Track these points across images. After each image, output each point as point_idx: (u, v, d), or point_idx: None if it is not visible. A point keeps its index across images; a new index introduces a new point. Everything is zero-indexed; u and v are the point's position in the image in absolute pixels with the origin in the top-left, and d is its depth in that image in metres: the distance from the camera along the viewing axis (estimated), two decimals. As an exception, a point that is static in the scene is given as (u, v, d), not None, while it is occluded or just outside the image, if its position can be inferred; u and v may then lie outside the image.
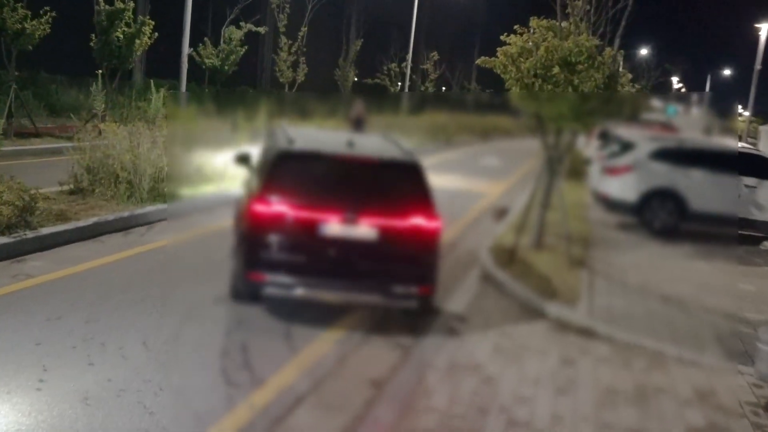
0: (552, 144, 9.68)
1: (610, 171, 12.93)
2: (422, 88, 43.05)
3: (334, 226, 5.75)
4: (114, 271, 7.27)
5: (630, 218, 12.90)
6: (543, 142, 9.67)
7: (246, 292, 5.97)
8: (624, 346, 6.79)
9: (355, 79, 41.31)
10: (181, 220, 9.20)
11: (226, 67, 25.50)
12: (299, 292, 5.79)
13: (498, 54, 9.85)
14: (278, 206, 5.66)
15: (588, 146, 23.99)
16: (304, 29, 26.90)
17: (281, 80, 27.29)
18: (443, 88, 76.56)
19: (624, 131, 18.07)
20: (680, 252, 10.95)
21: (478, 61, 10.14)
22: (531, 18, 11.23)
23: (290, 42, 26.55)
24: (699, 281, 9.24)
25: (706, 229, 12.61)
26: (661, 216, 12.42)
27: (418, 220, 5.97)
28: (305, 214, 5.69)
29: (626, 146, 13.38)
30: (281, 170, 5.73)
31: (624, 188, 12.72)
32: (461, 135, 18.07)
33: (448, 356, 6.18)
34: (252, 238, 5.72)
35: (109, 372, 5.03)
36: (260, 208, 5.64)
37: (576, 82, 9.27)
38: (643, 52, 58.77)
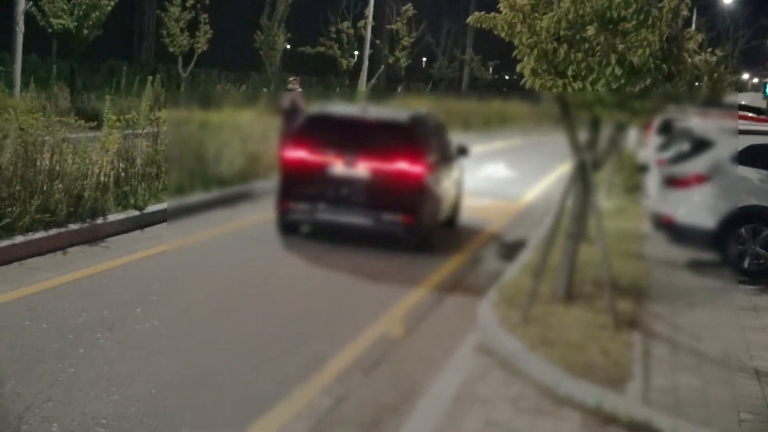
0: (586, 142, 9.83)
1: (677, 183, 13.15)
2: (391, 60, 43.41)
3: (338, 168, 12.54)
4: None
5: (707, 254, 13.13)
6: (571, 140, 9.81)
7: (279, 220, 13.02)
8: (698, 448, 6.88)
9: (287, 46, 41.61)
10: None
11: (86, 31, 25.49)
12: (312, 216, 12.68)
13: (501, 7, 9.98)
14: (300, 153, 12.72)
15: (643, 145, 24.57)
16: (206, -29, 27.08)
17: (171, 50, 27.34)
18: (424, 60, 77.31)
19: (697, 122, 18.41)
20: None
21: (470, 19, 10.26)
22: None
23: (185, -9, 26.75)
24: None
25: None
26: (754, 250, 12.64)
27: (402, 165, 12.55)
28: (318, 158, 12.54)
29: (700, 145, 13.63)
30: (305, 128, 12.99)
31: (697, 209, 12.94)
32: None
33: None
34: (282, 176, 12.73)
35: None
36: (287, 153, 12.82)
37: (621, 48, 9.42)
38: (727, 0, 59.97)
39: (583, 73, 9.43)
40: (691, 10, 10.47)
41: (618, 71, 9.18)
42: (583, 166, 9.57)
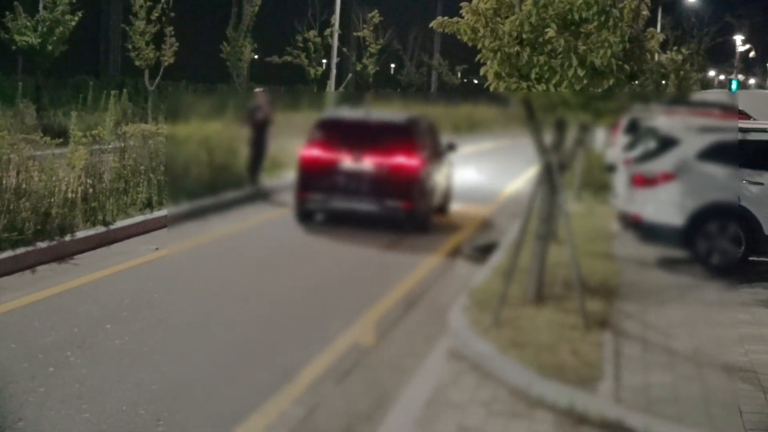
0: (552, 144, 9.90)
1: (644, 181, 13.24)
2: (358, 68, 43.47)
3: (347, 163, 13.96)
4: None
5: (676, 251, 13.22)
6: (537, 143, 9.87)
7: (298, 209, 14.24)
8: (670, 445, 6.92)
9: (255, 56, 41.54)
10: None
11: (50, 47, 25.38)
12: (327, 204, 14.06)
13: (463, 12, 10.04)
14: (314, 151, 14.16)
15: (610, 145, 24.60)
16: (170, -17, 27.01)
17: (137, 63, 27.23)
18: (392, 66, 77.47)
19: (663, 121, 18.52)
20: (751, 298, 11.24)
21: (433, 24, 10.33)
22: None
23: (149, 4, 26.64)
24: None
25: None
26: (722, 246, 12.75)
27: (401, 159, 14.19)
28: (330, 155, 14.06)
29: (666, 143, 13.73)
30: (318, 129, 14.55)
31: (665, 207, 13.03)
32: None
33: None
34: (299, 171, 14.24)
35: None
36: (304, 152, 14.31)
37: (582, 49, 9.51)
38: (691, -1, 60.35)
39: (546, 76, 9.49)
40: (654, 10, 10.59)
41: (580, 73, 9.26)
42: (550, 168, 9.64)
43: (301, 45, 40.13)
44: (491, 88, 10.01)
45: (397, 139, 15.47)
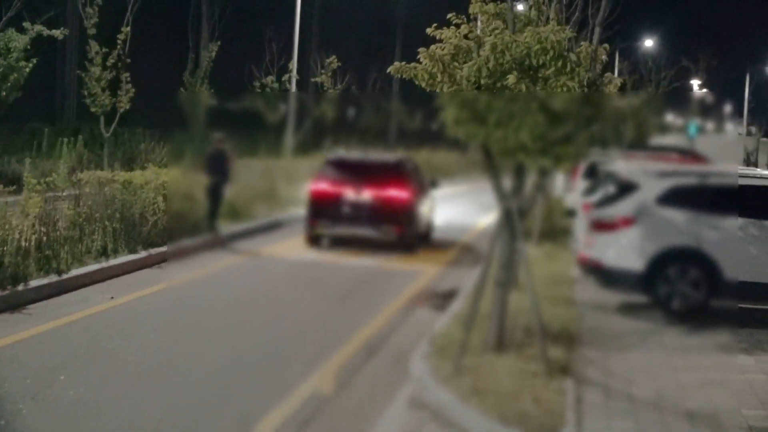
0: (511, 189, 9.94)
1: (603, 226, 13.32)
2: (316, 114, 43.57)
3: (349, 195, 18.10)
4: None
5: (636, 296, 13.28)
6: (496, 188, 9.91)
7: (309, 234, 18.09)
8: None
9: (212, 102, 41.48)
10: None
11: (4, 93, 25.20)
12: (333, 230, 18.02)
13: (420, 57, 10.10)
14: (323, 186, 18.36)
15: (570, 190, 24.78)
16: (126, 30, 26.95)
17: (93, 110, 27.11)
18: (351, 111, 77.67)
19: (622, 165, 18.68)
20: (713, 343, 11.29)
21: (391, 69, 10.38)
22: (472, 1, 11.60)
23: (105, 50, 26.56)
24: (744, 387, 9.52)
25: (749, 305, 13.07)
26: (683, 290, 12.82)
27: (393, 192, 18.31)
28: (336, 189, 18.19)
29: (625, 188, 13.85)
30: (325, 168, 18.90)
31: (625, 251, 13.10)
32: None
33: None
34: (310, 202, 18.24)
35: None
36: (314, 186, 18.44)
37: (541, 95, 9.59)
38: (649, 43, 61.03)
39: (505, 121, 9.51)
40: (611, 55, 10.68)
41: (539, 118, 9.28)
42: (509, 213, 9.68)
43: (259, 91, 40.18)
44: (450, 134, 10.01)
45: (390, 176, 19.45)
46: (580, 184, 22.04)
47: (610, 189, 14.24)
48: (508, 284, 10.03)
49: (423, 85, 10.12)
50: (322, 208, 18.79)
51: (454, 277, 16.49)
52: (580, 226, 15.86)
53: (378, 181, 19.22)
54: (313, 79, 45.04)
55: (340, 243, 18.92)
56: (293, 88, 37.87)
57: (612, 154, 22.34)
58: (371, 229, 18.73)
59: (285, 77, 38.78)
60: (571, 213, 21.17)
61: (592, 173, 20.80)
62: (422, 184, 20.85)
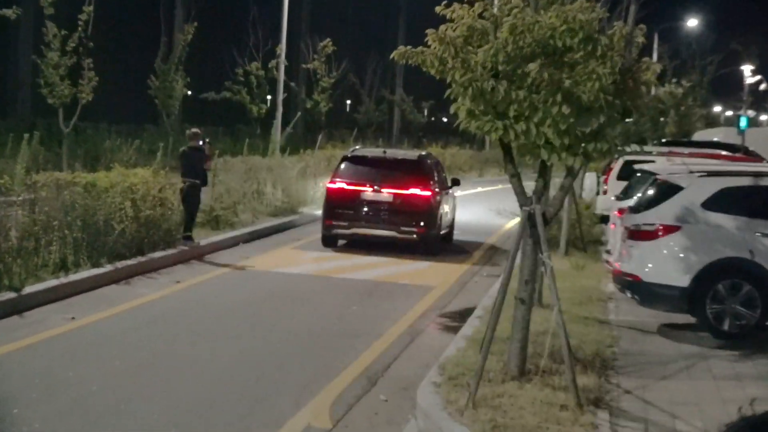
0: (534, 191, 9.95)
1: (641, 235, 13.28)
2: (308, 105, 43.63)
3: (368, 194, 20.99)
4: None
5: (680, 315, 13.26)
6: (517, 190, 9.92)
7: (325, 234, 21.29)
8: None
9: (188, 92, 41.57)
10: None
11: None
12: (351, 230, 20.94)
13: (429, 40, 10.07)
14: (340, 184, 21.23)
15: (602, 193, 24.66)
16: (88, 10, 26.94)
17: (51, 101, 27.12)
18: (347, 103, 77.61)
19: (663, 164, 18.65)
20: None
21: (394, 54, 10.33)
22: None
23: (65, 33, 26.58)
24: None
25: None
26: (734, 309, 12.77)
27: (415, 190, 20.98)
28: (354, 187, 21.07)
29: (667, 190, 13.79)
30: (343, 166, 21.82)
31: (667, 264, 13.05)
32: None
33: None
34: (326, 201, 21.34)
35: None
36: (330, 185, 21.49)
37: (567, 84, 9.57)
38: (692, 24, 60.95)
39: (526, 113, 9.51)
40: (650, 37, 10.64)
41: (566, 110, 9.27)
42: (532, 220, 9.67)
43: (242, 79, 40.20)
44: (462, 128, 10.00)
45: (411, 173, 21.38)
46: (614, 185, 22.08)
47: (649, 192, 14.22)
48: (530, 301, 10.02)
49: (432, 72, 10.06)
50: (339, 208, 20.94)
51: (469, 292, 16.52)
52: (614, 234, 15.86)
53: (398, 178, 21.15)
54: (304, 66, 45.10)
55: (355, 245, 21.33)
56: (281, 76, 37.77)
57: (651, 151, 22.38)
58: (391, 230, 20.72)
59: (272, 63, 38.81)
60: (603, 219, 21.17)
61: (628, 173, 20.84)
62: (444, 182, 22.75)
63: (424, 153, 24.48)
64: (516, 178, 10.08)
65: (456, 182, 24.14)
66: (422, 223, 20.66)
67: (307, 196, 28.42)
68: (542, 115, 9.45)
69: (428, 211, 20.86)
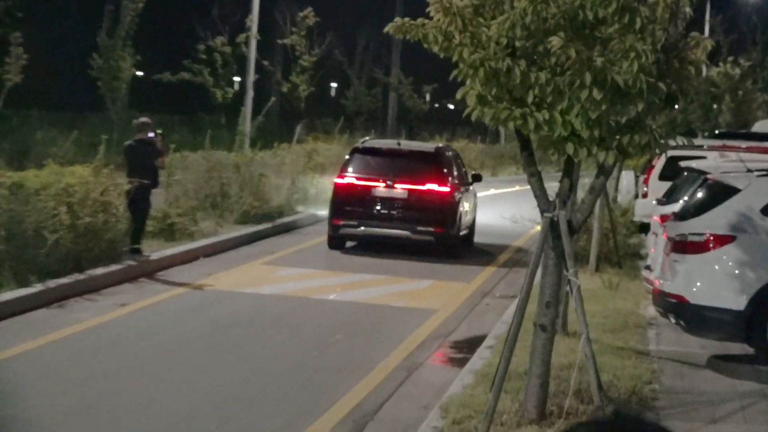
0: (559, 193, 9.92)
1: (688, 247, 13.23)
2: (285, 88, 43.64)
3: (380, 189, 22.54)
4: None
5: (735, 345, 13.23)
6: (538, 192, 9.88)
7: (332, 234, 22.93)
8: None
9: (138, 73, 41.55)
10: None
11: None
12: (361, 230, 22.56)
13: (432, 11, 10.04)
14: (349, 179, 22.98)
15: (642, 196, 24.71)
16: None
17: (-30, 84, 27.18)
18: (332, 86, 77.53)
19: (714, 161, 18.63)
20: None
21: (389, 28, 10.30)
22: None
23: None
24: None
25: None
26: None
27: (432, 186, 22.48)
28: (364, 183, 22.76)
29: (720, 193, 13.76)
30: (352, 158, 23.62)
31: (719, 282, 13.01)
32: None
33: None
34: (334, 198, 23.13)
35: None
36: (339, 180, 23.22)
37: (599, 63, 9.56)
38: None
39: (549, 100, 9.48)
40: (700, 8, 10.55)
41: (597, 95, 9.24)
42: (556, 229, 9.63)
43: (205, 57, 40.18)
44: (473, 117, 9.96)
45: (428, 167, 22.85)
46: (656, 187, 22.03)
47: (698, 194, 14.21)
48: (553, 328, 9.98)
49: (435, 49, 10.02)
50: (348, 205, 22.56)
51: (479, 316, 16.49)
52: (655, 246, 15.82)
53: (414, 173, 22.66)
54: (280, 41, 45.02)
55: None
56: (253, 53, 37.66)
57: (701, 144, 22.38)
58: (405, 229, 22.24)
59: (241, 38, 38.62)
60: (642, 228, 21.12)
61: (673, 172, 20.78)
62: (464, 178, 24.60)
63: (442, 145, 26.78)
64: (536, 178, 10.02)
65: (477, 178, 25.69)
66: (440, 223, 22.07)
67: (284, 200, 28.26)
68: (568, 101, 9.42)
69: (447, 209, 22.27)
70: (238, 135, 34.18)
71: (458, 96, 9.97)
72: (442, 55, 10.05)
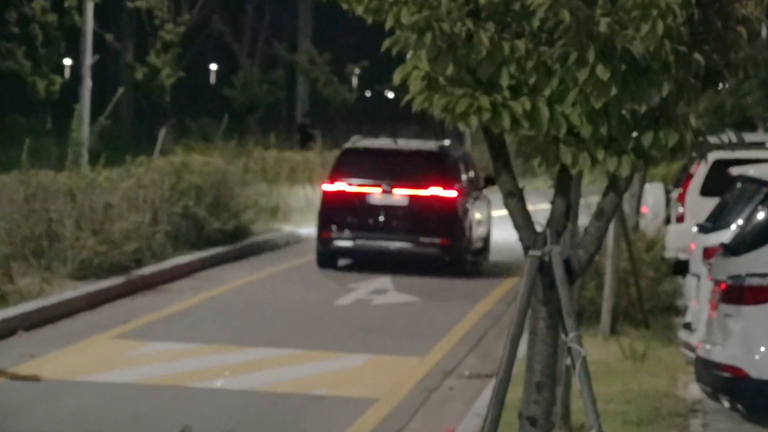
0: (551, 222, 9.91)
1: (747, 295, 13.24)
2: (139, 74, 43.68)
3: (376, 196, 31.07)
4: None
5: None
6: (517, 219, 9.87)
7: (322, 251, 31.76)
8: None
9: None
10: None
11: None
12: (355, 243, 31.12)
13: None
14: (340, 185, 31.93)
15: (676, 219, 25.04)
16: None
17: None
18: (212, 69, 77.42)
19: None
20: None
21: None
22: None
23: None
24: None
25: None
26: None
27: (437, 190, 29.94)
28: (357, 189, 31.62)
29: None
30: (343, 161, 32.95)
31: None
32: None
33: None
34: (323, 207, 32.45)
35: None
36: (328, 186, 32.49)
37: (604, 27, 9.60)
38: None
39: (531, 82, 9.46)
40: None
41: (603, 73, 9.21)
42: (548, 272, 9.61)
43: (17, 30, 40.19)
44: (415, 106, 9.88)
45: (431, 169, 27.55)
46: (696, 206, 22.12)
47: (759, 216, 14.29)
48: (547, 422, 9.96)
49: (359, 10, 10.02)
50: (339, 215, 27.73)
51: (437, 408, 16.52)
52: (698, 295, 15.90)
53: (415, 176, 27.71)
54: (131, 3, 44.94)
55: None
56: (90, 23, 37.67)
57: (762, 142, 22.54)
58: (407, 241, 27.25)
59: (70, 1, 38.61)
60: (678, 268, 21.10)
61: (721, 184, 20.82)
62: (475, 181, 29.24)
63: (447, 143, 31.11)
64: (515, 200, 9.88)
65: (490, 181, 28.63)
66: (446, 233, 26.84)
67: (142, 242, 27.94)
68: (560, 83, 9.38)
69: (454, 217, 26.93)
70: (71, 145, 33.95)
71: (396, 78, 9.89)
72: (370, 20, 10.02)
